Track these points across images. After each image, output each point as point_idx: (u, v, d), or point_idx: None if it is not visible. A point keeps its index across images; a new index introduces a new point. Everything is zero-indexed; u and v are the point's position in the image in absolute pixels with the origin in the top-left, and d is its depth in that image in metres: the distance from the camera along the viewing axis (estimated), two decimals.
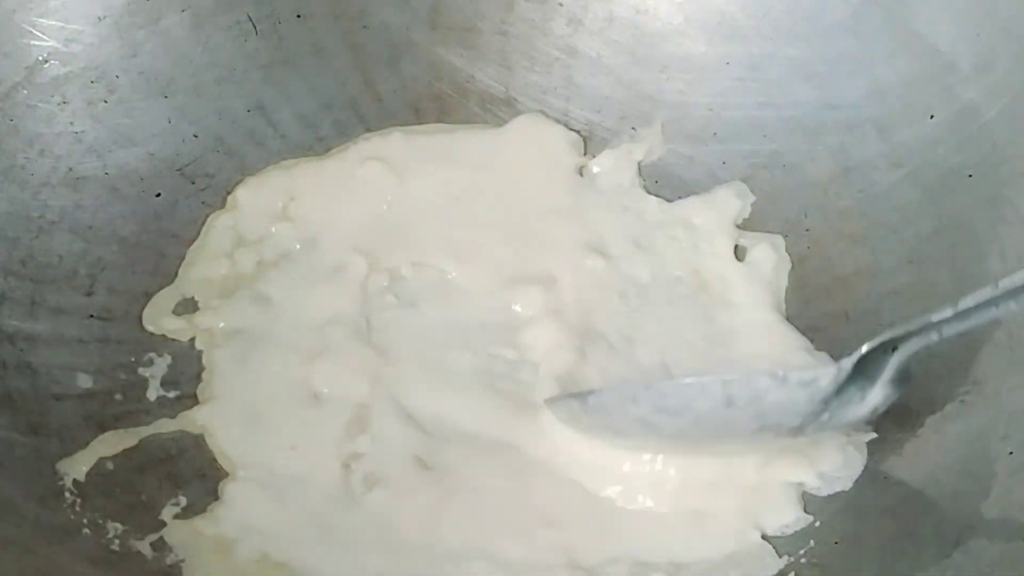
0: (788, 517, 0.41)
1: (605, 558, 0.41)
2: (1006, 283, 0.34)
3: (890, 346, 0.37)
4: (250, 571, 0.40)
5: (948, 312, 0.36)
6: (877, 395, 0.38)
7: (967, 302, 0.35)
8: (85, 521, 0.41)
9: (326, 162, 0.52)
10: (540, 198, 0.51)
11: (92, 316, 0.46)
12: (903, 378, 0.38)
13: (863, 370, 0.38)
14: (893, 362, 0.37)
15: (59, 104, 0.49)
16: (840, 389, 0.38)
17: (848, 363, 0.37)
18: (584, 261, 0.49)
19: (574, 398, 0.42)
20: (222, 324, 0.47)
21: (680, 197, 0.51)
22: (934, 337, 0.36)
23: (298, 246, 0.49)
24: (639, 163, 0.52)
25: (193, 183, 0.50)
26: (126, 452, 0.43)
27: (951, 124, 0.46)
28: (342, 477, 0.43)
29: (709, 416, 0.39)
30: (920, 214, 0.46)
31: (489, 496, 0.42)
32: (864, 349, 0.37)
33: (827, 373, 0.38)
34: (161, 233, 0.49)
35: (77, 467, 0.42)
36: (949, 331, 0.36)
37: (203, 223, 0.49)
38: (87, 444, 0.43)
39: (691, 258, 0.49)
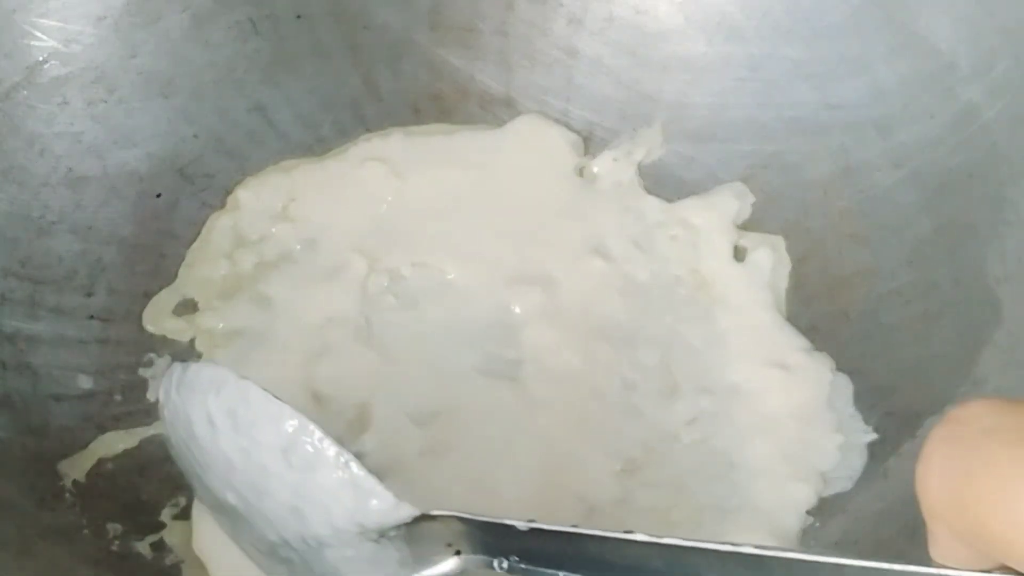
0: None
1: None
2: (594, 531, 0.29)
3: (453, 536, 0.33)
4: (250, 572, 0.40)
5: (523, 525, 0.31)
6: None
7: (548, 525, 0.30)
8: (85, 521, 0.41)
9: (326, 162, 0.52)
10: (540, 198, 0.51)
11: (92, 316, 0.46)
12: None
13: (424, 539, 0.33)
14: (449, 564, 0.33)
15: (59, 104, 0.49)
16: (387, 536, 0.33)
17: (408, 511, 0.32)
18: (584, 261, 0.49)
19: (182, 363, 0.37)
20: (222, 324, 0.47)
21: (680, 197, 0.51)
22: (503, 565, 0.31)
23: (298, 246, 0.49)
24: (639, 163, 0.52)
25: (193, 183, 0.50)
26: (126, 452, 0.43)
27: (951, 124, 0.46)
28: None
29: (262, 456, 0.34)
30: (920, 214, 0.46)
31: (487, 494, 0.42)
32: (434, 513, 0.32)
33: (385, 497, 0.33)
34: (161, 233, 0.49)
35: (77, 468, 0.42)
36: (519, 562, 0.31)
37: (203, 223, 0.49)
38: (87, 445, 0.43)
39: (691, 258, 0.49)
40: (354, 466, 0.33)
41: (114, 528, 0.41)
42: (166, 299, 0.47)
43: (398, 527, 0.33)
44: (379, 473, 0.42)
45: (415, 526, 0.33)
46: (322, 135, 0.52)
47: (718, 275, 0.48)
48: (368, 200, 0.50)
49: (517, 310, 0.47)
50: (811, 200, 0.49)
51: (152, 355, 0.46)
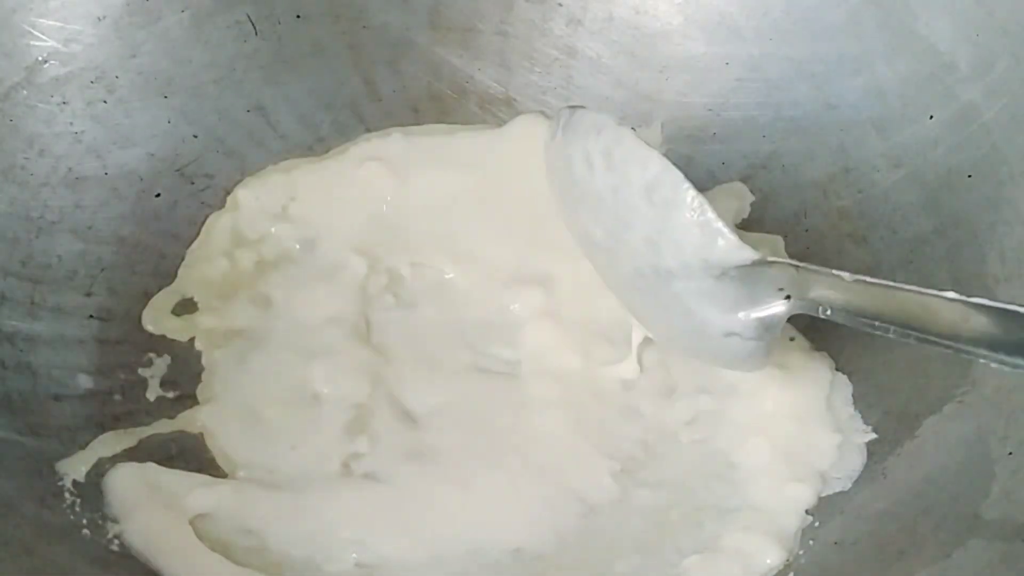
0: None
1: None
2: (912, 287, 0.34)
3: (785, 282, 0.37)
4: (249, 570, 0.40)
5: (849, 276, 0.36)
6: (740, 322, 0.38)
7: (871, 279, 0.36)
8: (85, 521, 0.41)
9: (326, 162, 0.52)
10: (540, 198, 0.50)
11: (92, 316, 0.46)
12: (769, 327, 0.38)
13: (760, 284, 0.38)
14: (779, 306, 0.38)
15: (59, 104, 0.49)
16: (727, 276, 0.38)
17: (751, 253, 0.37)
18: (583, 261, 0.48)
19: (570, 108, 0.43)
20: (222, 324, 0.47)
21: None
22: (827, 312, 0.36)
23: (298, 246, 0.49)
24: None
25: (193, 183, 0.50)
26: (126, 452, 0.43)
27: (951, 124, 0.46)
28: (342, 477, 0.43)
29: (629, 192, 0.39)
30: (920, 214, 0.46)
31: (486, 494, 0.42)
32: (770, 259, 0.37)
33: (731, 238, 0.37)
34: (161, 233, 0.49)
35: (77, 467, 0.42)
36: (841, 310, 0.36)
37: (203, 223, 0.49)
38: (87, 444, 0.43)
39: None
40: (708, 208, 0.38)
41: (114, 527, 0.41)
42: (166, 299, 0.47)
43: (738, 267, 0.37)
44: (378, 476, 0.43)
45: (752, 269, 0.37)
46: (322, 135, 0.52)
47: None
48: (368, 200, 0.50)
49: (516, 309, 0.47)
50: (810, 200, 0.49)
51: (152, 355, 0.46)
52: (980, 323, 0.32)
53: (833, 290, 0.37)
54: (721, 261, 0.38)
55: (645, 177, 0.39)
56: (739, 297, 0.38)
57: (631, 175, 0.39)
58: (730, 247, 0.37)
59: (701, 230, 0.38)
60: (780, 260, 0.37)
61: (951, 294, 0.33)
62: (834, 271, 0.36)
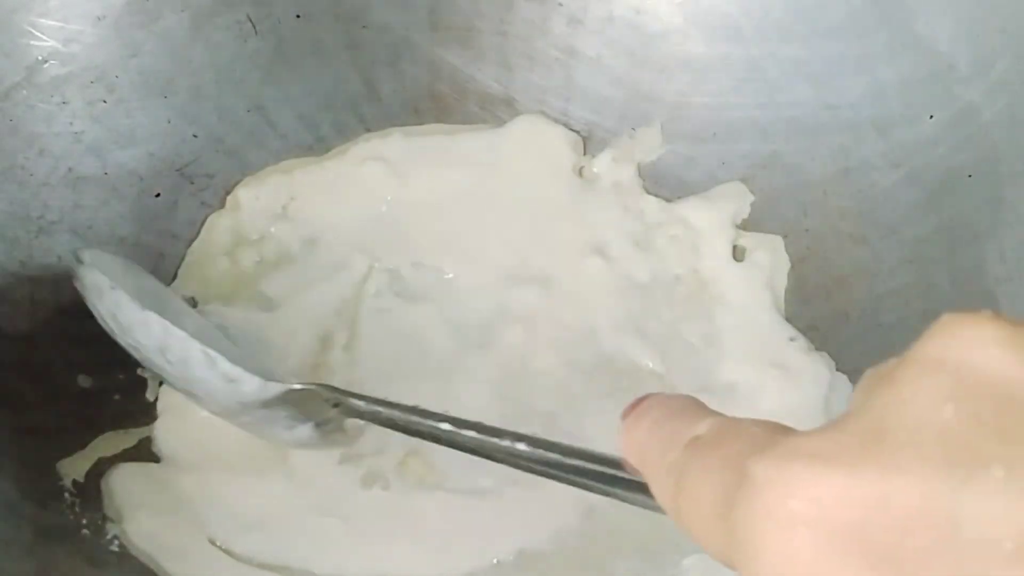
0: None
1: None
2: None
3: (333, 400, 0.38)
4: (250, 568, 0.40)
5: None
6: (304, 432, 0.40)
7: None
8: (85, 521, 0.41)
9: (326, 162, 0.52)
10: (540, 198, 0.50)
11: (92, 316, 0.46)
12: (331, 430, 0.40)
13: (303, 403, 0.39)
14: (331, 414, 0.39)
15: (59, 104, 0.49)
16: (272, 405, 0.38)
17: (276, 388, 0.38)
18: (584, 261, 0.49)
19: (77, 259, 0.41)
20: (222, 324, 0.47)
21: (680, 197, 0.51)
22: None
23: (298, 246, 0.49)
24: (639, 163, 0.52)
25: (193, 183, 0.50)
26: (126, 452, 0.43)
27: (951, 124, 0.46)
28: (341, 477, 0.43)
29: (147, 353, 0.39)
30: (920, 214, 0.46)
31: (486, 495, 0.42)
32: (296, 386, 0.38)
33: (251, 382, 0.38)
34: (161, 233, 0.49)
35: (77, 468, 0.42)
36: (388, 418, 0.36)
37: (203, 223, 0.49)
38: (87, 444, 0.43)
39: (690, 258, 0.49)
40: (220, 362, 0.38)
41: (114, 528, 0.41)
42: None
43: (276, 396, 0.38)
44: (377, 476, 0.43)
45: (292, 394, 0.38)
46: (322, 135, 0.52)
47: (717, 275, 0.48)
48: (368, 200, 0.50)
49: (517, 309, 0.47)
50: (811, 200, 0.49)
51: None
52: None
53: (357, 407, 0.38)
54: (255, 400, 0.38)
55: (153, 340, 0.39)
56: (294, 415, 0.39)
57: (140, 338, 0.39)
58: (256, 388, 0.38)
59: (223, 382, 0.38)
60: (306, 387, 0.39)
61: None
62: (354, 395, 0.38)
